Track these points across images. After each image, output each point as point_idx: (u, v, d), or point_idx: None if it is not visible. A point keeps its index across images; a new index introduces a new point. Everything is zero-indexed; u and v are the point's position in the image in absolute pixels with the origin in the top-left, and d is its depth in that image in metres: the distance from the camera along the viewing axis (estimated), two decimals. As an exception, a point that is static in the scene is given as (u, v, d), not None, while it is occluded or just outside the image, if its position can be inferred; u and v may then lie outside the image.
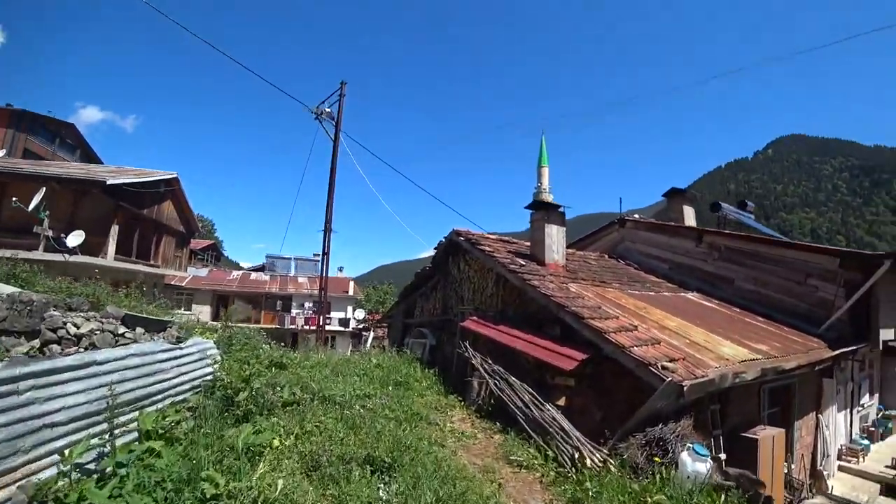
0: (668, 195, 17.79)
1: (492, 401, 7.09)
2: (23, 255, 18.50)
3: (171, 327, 6.80)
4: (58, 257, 17.99)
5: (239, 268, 57.01)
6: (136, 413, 4.14)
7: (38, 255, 17.85)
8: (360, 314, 38.29)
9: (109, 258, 20.12)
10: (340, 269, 45.31)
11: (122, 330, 6.09)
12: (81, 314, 6.53)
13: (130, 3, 30.19)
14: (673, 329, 8.03)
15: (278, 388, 6.11)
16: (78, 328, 6.11)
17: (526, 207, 10.87)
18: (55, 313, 6.28)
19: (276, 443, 4.63)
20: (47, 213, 18.24)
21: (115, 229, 20.35)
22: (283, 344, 10.63)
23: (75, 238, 18.22)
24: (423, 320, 13.15)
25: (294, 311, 36.23)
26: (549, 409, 6.15)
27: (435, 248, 12.24)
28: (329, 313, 37.15)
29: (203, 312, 34.24)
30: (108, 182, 18.95)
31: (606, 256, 15.57)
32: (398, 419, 6.14)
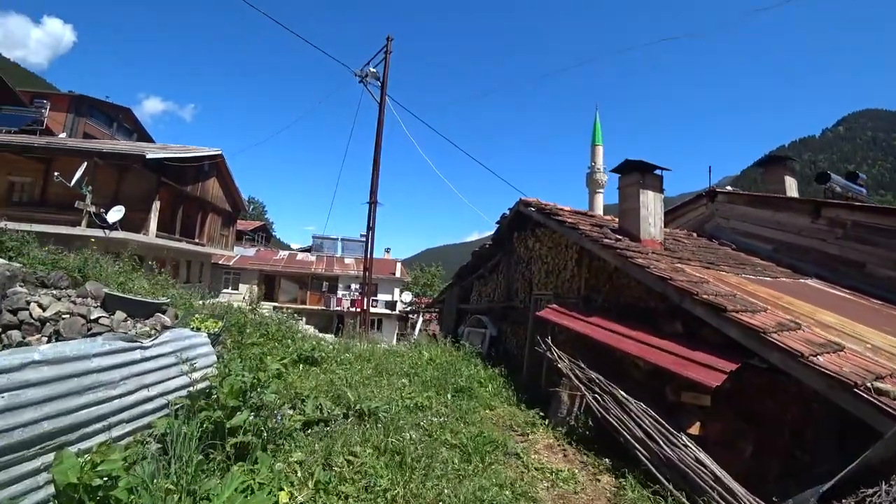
0: (764, 164, 14.98)
1: (589, 421, 5.18)
2: (65, 230, 18.16)
3: (165, 311, 5.28)
4: (99, 233, 17.36)
5: (289, 249, 57.23)
6: (52, 455, 2.52)
7: (81, 230, 17.32)
8: (408, 297, 37.00)
9: (151, 235, 19.46)
10: (387, 251, 44.16)
11: (96, 314, 4.57)
12: (55, 291, 5.11)
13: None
14: (837, 328, 5.80)
15: (299, 401, 4.46)
16: (44, 310, 4.69)
17: (613, 170, 8.73)
18: (20, 290, 4.86)
19: (283, 499, 2.94)
20: (90, 188, 17.63)
21: (156, 205, 19.64)
22: (320, 330, 9.02)
23: (115, 213, 17.55)
24: (482, 307, 11.33)
25: (340, 293, 35.39)
26: (685, 446, 4.17)
27: (497, 223, 10.32)
28: (375, 295, 36.09)
29: (250, 292, 33.95)
30: (148, 156, 18.13)
31: (695, 235, 13.12)
32: (464, 448, 4.36)
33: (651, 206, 8.20)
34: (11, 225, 18.06)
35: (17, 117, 27.20)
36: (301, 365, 6.30)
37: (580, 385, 5.28)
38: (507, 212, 9.84)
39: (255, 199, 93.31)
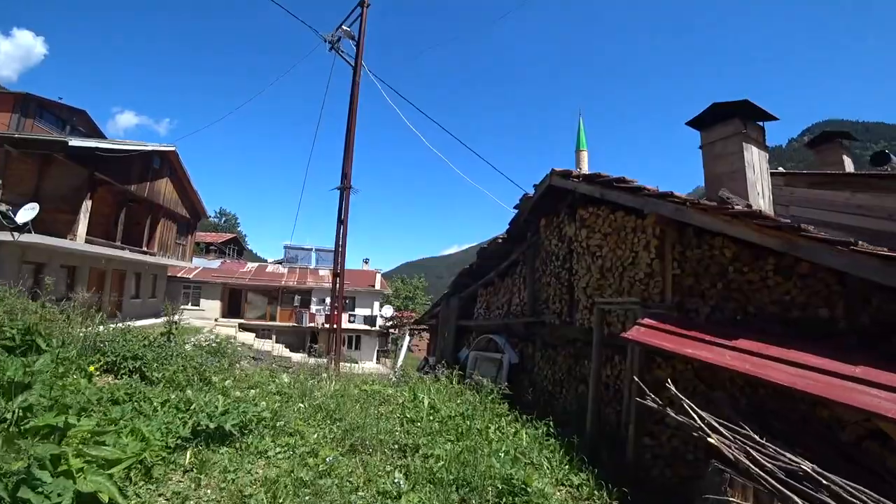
0: (817, 143, 12.69)
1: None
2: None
3: None
4: (7, 237, 13.99)
5: (263, 263, 53.53)
6: None
7: (-13, 234, 13.92)
8: (389, 311, 33.87)
9: (80, 239, 16.11)
10: (366, 262, 40.99)
11: None
12: None
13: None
14: None
15: None
16: None
17: (691, 123, 6.07)
18: None
19: None
20: (-1, 182, 14.32)
21: (86, 205, 16.34)
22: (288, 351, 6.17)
23: (27, 212, 14.18)
24: (493, 323, 8.50)
25: (314, 308, 32.08)
26: None
27: (516, 207, 7.55)
28: (353, 309, 32.90)
29: (212, 308, 30.42)
30: (72, 143, 14.89)
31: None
32: None
33: (758, 166, 5.54)
34: None
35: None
36: (199, 448, 3.34)
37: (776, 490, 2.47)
38: (534, 189, 7.09)
39: (226, 210, 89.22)
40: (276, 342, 30.01)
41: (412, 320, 13.72)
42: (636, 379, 3.71)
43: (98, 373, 6.06)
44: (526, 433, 4.50)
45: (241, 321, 30.33)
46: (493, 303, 8.93)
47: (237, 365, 7.72)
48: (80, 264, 18.10)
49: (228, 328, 27.63)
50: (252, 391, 5.46)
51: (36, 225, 15.35)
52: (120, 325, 17.57)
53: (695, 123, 6.06)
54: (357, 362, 31.58)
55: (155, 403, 4.08)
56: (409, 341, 13.86)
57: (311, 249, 40.10)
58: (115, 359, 6.04)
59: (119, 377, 6.05)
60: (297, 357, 29.99)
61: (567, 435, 4.46)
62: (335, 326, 10.73)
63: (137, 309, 23.25)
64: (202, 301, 30.43)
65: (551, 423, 4.76)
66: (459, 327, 10.01)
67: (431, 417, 4.79)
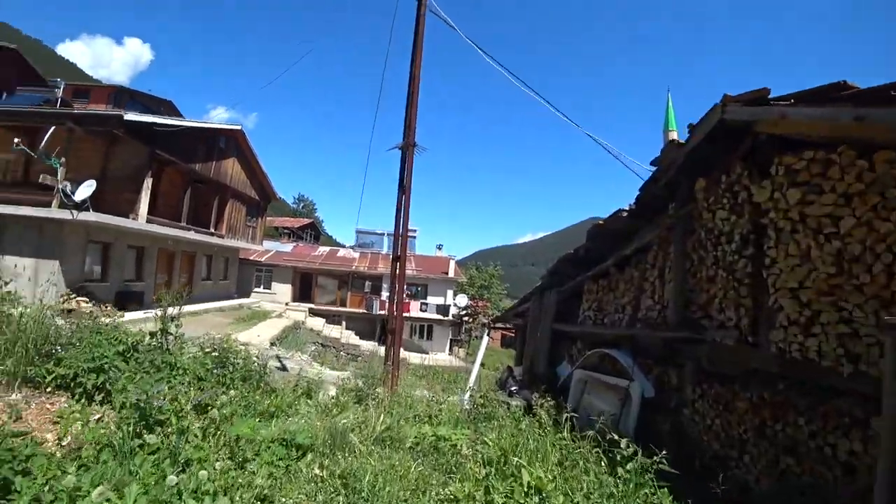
0: None
1: None
2: (42, 213, 14.53)
3: None
4: (66, 215, 13.48)
5: (336, 247, 53.75)
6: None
7: (52, 212, 13.50)
8: (463, 300, 31.87)
9: (141, 219, 15.48)
10: (440, 248, 39.30)
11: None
12: None
13: None
14: None
15: None
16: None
17: None
18: None
19: None
20: (62, 160, 13.81)
21: (147, 183, 15.64)
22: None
23: (84, 189, 13.57)
24: (609, 332, 6.01)
25: (384, 295, 30.85)
26: None
27: (655, 163, 4.95)
28: (425, 297, 31.30)
29: (283, 292, 30.11)
30: (127, 117, 14.07)
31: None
32: None
33: None
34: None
35: (30, 97, 24.76)
36: None
37: None
38: (689, 131, 4.46)
39: (304, 196, 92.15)
40: (346, 328, 29.14)
41: (493, 317, 11.44)
42: None
43: (51, 388, 4.41)
44: None
45: (312, 306, 29.75)
46: (607, 302, 6.42)
47: (261, 378, 5.84)
48: (147, 245, 17.71)
49: (299, 312, 27.05)
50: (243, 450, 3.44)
51: (100, 204, 14.84)
52: (190, 307, 16.73)
53: None
54: (427, 353, 30.12)
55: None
56: (488, 342, 11.58)
57: (382, 234, 39.05)
58: (72, 371, 4.34)
59: (74, 397, 4.34)
60: (367, 345, 29.02)
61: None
62: (392, 330, 8.65)
63: (209, 291, 23.04)
64: (274, 284, 30.22)
65: None
66: (556, 332, 7.62)
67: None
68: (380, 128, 11.35)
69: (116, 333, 4.69)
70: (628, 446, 3.43)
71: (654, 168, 4.92)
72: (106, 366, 4.36)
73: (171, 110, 40.80)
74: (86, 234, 14.89)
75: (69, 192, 13.50)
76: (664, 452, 3.25)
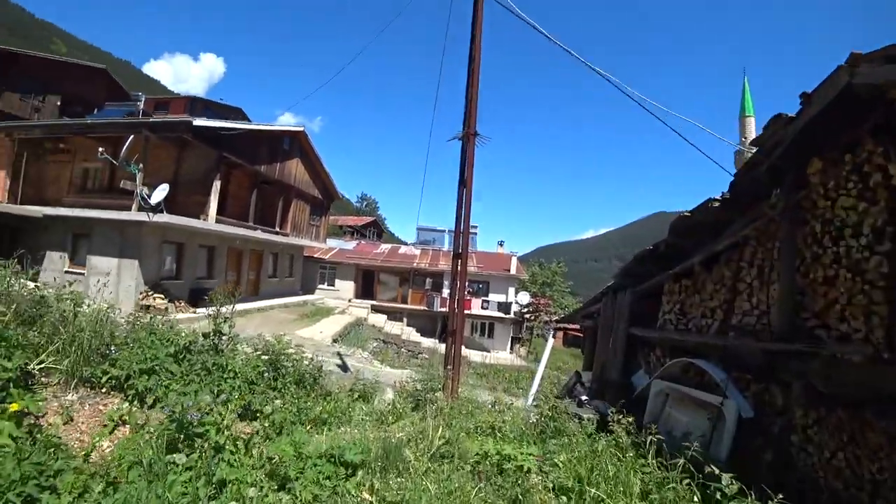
0: None
1: None
2: (124, 215, 15.48)
3: None
4: (143, 217, 14.23)
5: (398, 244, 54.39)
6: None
7: (131, 215, 14.33)
8: (525, 298, 31.06)
9: (210, 220, 16.11)
10: (501, 244, 38.55)
11: None
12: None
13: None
14: None
15: None
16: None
17: None
18: None
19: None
20: (140, 166, 14.63)
21: (216, 186, 16.25)
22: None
23: (159, 192, 14.28)
24: (695, 339, 5.23)
25: (445, 292, 30.67)
26: None
27: (756, 144, 4.19)
28: (486, 295, 30.78)
29: (346, 289, 30.69)
30: (196, 123, 14.64)
31: None
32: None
33: None
34: (79, 212, 16.03)
35: (116, 111, 26.74)
36: None
37: None
38: (801, 101, 3.67)
39: (367, 195, 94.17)
40: (407, 325, 29.23)
41: (559, 318, 10.75)
42: None
43: (105, 389, 4.35)
44: None
45: (374, 302, 30.09)
46: (692, 305, 5.64)
47: (315, 380, 5.61)
48: (217, 244, 18.48)
49: (361, 309, 27.43)
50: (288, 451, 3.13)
51: (173, 206, 15.59)
52: (257, 304, 17.22)
53: None
54: (488, 351, 29.60)
55: None
56: (552, 341, 10.92)
57: (443, 231, 38.91)
58: (125, 373, 4.25)
59: (128, 399, 4.25)
60: (428, 342, 28.95)
61: None
62: (453, 330, 8.22)
63: (275, 287, 23.82)
64: (337, 281, 30.88)
65: None
66: (631, 337, 6.89)
67: None
68: (442, 123, 10.94)
69: (169, 334, 4.59)
70: (731, 482, 2.79)
71: (756, 150, 4.13)
72: (157, 368, 4.25)
73: (241, 117, 42.81)
74: (161, 234, 15.69)
75: (146, 196, 14.25)
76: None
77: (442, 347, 27.53)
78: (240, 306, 19.28)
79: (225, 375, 4.49)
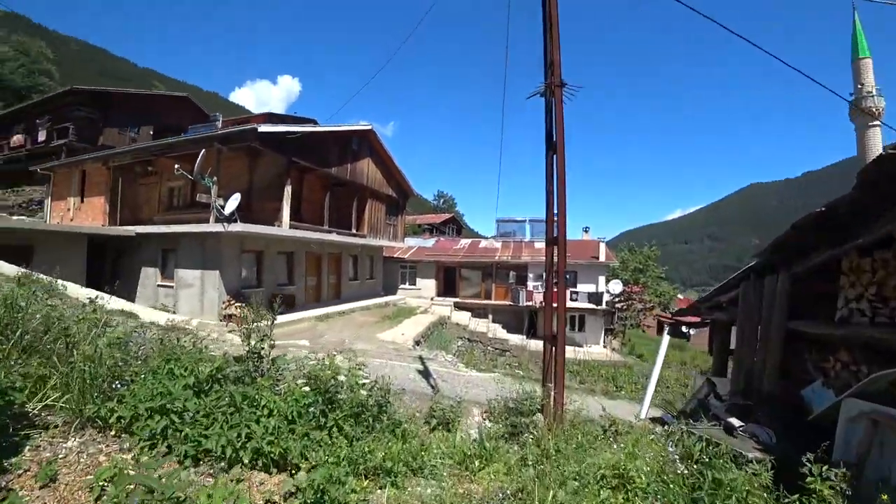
0: None
1: None
2: (202, 228, 15.65)
3: None
4: (219, 227, 14.16)
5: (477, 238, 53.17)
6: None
7: (209, 227, 14.35)
8: (618, 286, 28.42)
9: (284, 225, 15.81)
10: (586, 231, 35.89)
11: None
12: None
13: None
14: None
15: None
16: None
17: None
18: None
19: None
20: (214, 179, 14.62)
21: (287, 191, 15.91)
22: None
23: (231, 202, 14.12)
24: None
25: (531, 284, 28.86)
26: None
27: None
28: (574, 285, 28.55)
29: (428, 287, 29.95)
30: (261, 129, 14.32)
31: None
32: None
33: None
34: (164, 228, 16.52)
35: (196, 132, 28.16)
36: None
37: None
38: None
39: (443, 192, 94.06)
40: (492, 322, 27.88)
41: (688, 305, 8.84)
42: None
43: (115, 431, 3.43)
44: None
45: (457, 299, 29.08)
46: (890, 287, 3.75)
47: (382, 410, 4.40)
48: (294, 250, 18.31)
49: (444, 307, 26.53)
50: None
51: (248, 215, 15.48)
52: (338, 307, 16.73)
53: None
54: (581, 345, 27.41)
55: None
56: (667, 340, 9.00)
57: (524, 221, 37.02)
58: (129, 413, 3.29)
59: (137, 445, 3.29)
60: (515, 339, 27.36)
61: None
62: (553, 336, 6.57)
63: (356, 290, 23.52)
64: (418, 280, 30.25)
65: None
66: (792, 334, 5.02)
67: None
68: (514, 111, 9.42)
69: (187, 361, 3.58)
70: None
71: None
72: (170, 406, 3.26)
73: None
74: (239, 244, 15.63)
75: (220, 207, 14.17)
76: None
77: (531, 344, 25.92)
78: (321, 310, 19.13)
79: (258, 412, 3.42)
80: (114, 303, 10.98)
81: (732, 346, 7.40)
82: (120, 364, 3.61)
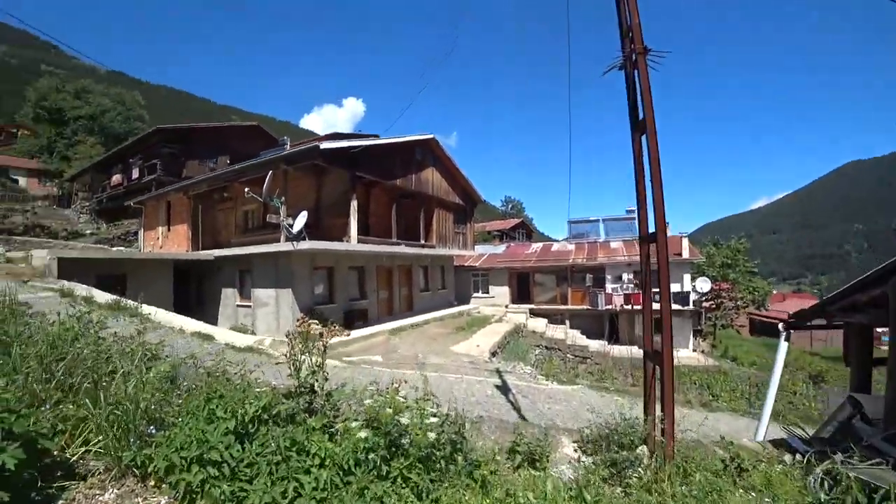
0: None
1: None
2: (273, 248, 16.00)
3: None
4: (289, 246, 14.32)
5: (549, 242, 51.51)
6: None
7: (280, 246, 14.60)
8: (706, 284, 25.95)
9: (352, 240, 15.73)
10: (667, 225, 33.30)
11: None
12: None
13: None
14: None
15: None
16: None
17: None
18: None
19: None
20: (282, 199, 14.87)
21: (353, 205, 15.84)
22: None
23: (298, 221, 14.24)
24: None
25: (609, 287, 27.07)
26: None
27: None
28: (657, 286, 26.38)
29: (501, 294, 29.06)
30: (322, 146, 14.34)
31: None
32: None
33: None
34: (238, 250, 17.05)
35: (265, 156, 29.53)
36: None
37: None
38: None
39: (511, 197, 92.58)
40: (570, 328, 26.46)
41: (794, 313, 7.46)
42: None
43: (154, 481, 3.03)
44: None
45: (532, 306, 27.95)
46: None
47: (457, 449, 3.71)
48: (364, 264, 18.27)
49: (519, 314, 25.52)
50: None
51: (317, 232, 15.58)
52: (411, 319, 16.36)
53: None
54: (671, 350, 25.12)
55: None
56: (787, 347, 7.56)
57: (597, 221, 35.13)
58: (164, 463, 2.87)
59: (178, 497, 2.85)
60: (595, 345, 25.70)
61: None
62: (656, 351, 5.49)
63: (428, 301, 23.18)
64: (491, 288, 29.45)
65: None
66: None
67: None
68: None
69: (230, 401, 3.10)
70: None
71: None
72: (207, 455, 2.80)
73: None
74: (310, 261, 15.76)
75: (288, 226, 14.33)
76: None
77: (613, 350, 24.21)
78: (394, 323, 18.91)
79: (308, 461, 2.88)
80: (193, 325, 11.32)
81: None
82: (160, 402, 3.22)
